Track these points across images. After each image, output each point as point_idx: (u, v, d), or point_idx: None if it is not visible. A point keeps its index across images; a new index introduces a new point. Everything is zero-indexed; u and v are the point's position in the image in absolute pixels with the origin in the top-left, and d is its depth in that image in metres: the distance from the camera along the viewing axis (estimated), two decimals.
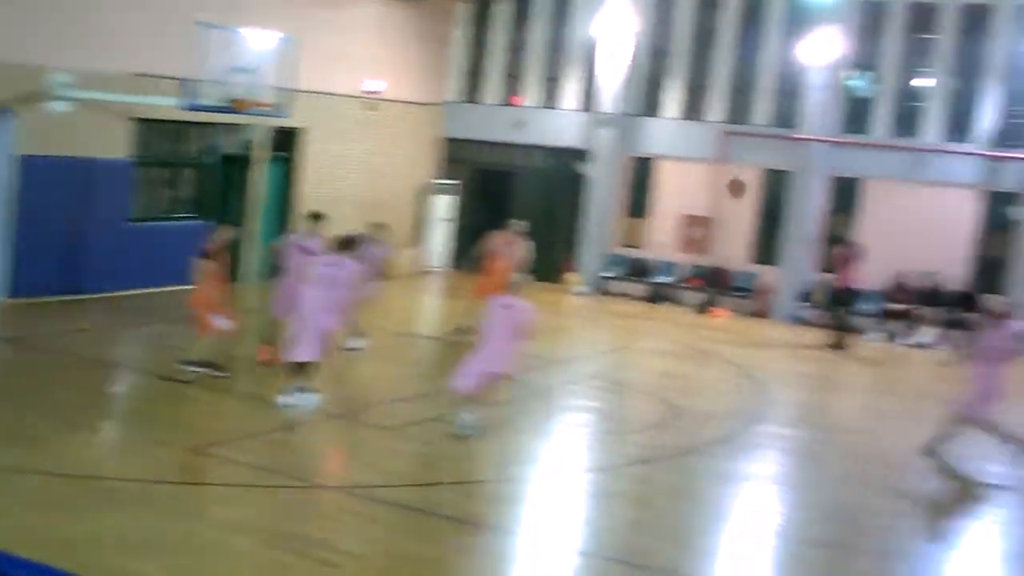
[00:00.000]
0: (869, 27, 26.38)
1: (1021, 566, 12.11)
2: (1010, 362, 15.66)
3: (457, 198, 29.47)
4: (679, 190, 28.86)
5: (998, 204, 25.77)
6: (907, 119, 26.20)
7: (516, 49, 29.85)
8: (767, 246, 27.53)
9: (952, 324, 23.17)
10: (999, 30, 25.21)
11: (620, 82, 28.16)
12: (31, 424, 12.94)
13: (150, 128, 21.74)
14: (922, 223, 26.11)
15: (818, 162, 26.37)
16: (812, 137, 26.33)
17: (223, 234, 16.42)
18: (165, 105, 19.62)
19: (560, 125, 29.01)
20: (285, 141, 24.57)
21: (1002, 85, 25.25)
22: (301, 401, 14.69)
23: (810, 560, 11.53)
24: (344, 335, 17.99)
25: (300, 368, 14.75)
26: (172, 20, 20.77)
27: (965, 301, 24.63)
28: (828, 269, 24.79)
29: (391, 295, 24.16)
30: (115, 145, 21.02)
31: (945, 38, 25.72)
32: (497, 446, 14.36)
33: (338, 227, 17.62)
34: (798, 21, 26.53)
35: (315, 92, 24.15)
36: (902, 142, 25.88)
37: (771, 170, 27.56)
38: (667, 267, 28.45)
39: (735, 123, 27.43)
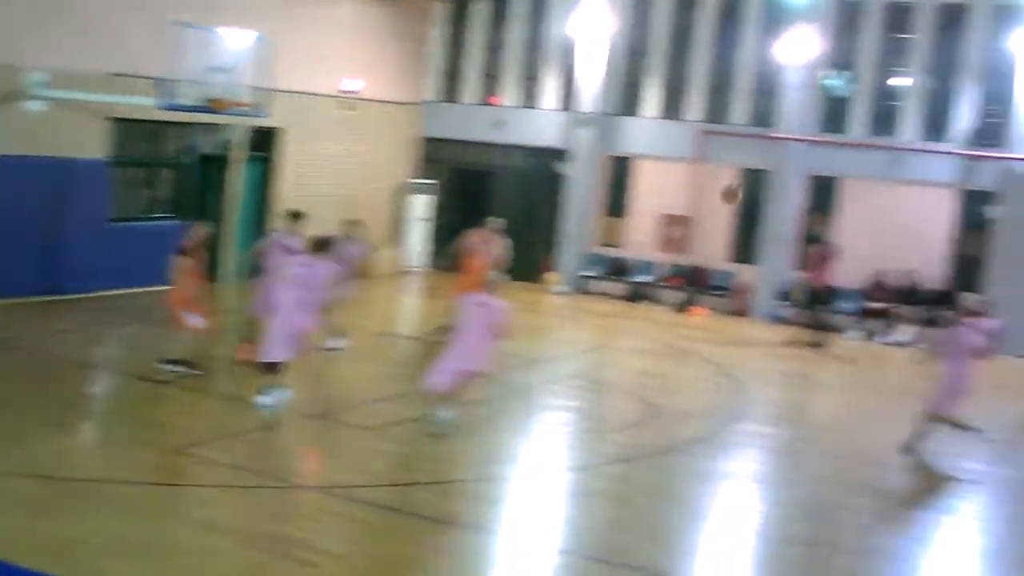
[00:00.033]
0: (846, 26, 26.46)
1: (999, 563, 12.16)
2: (979, 360, 15.71)
3: (435, 198, 29.43)
4: (658, 189, 28.89)
5: (974, 203, 25.88)
6: (884, 118, 26.28)
7: (494, 48, 29.85)
8: (745, 245, 27.59)
9: (930, 322, 23.25)
10: (975, 29, 25.31)
11: (598, 81, 28.18)
12: (10, 425, 12.88)
13: (127, 128, 21.65)
14: (900, 222, 26.20)
15: (796, 161, 26.44)
16: (790, 136, 26.40)
17: (199, 231, 16.39)
18: (142, 105, 19.55)
19: (539, 125, 29.01)
20: (263, 141, 24.51)
21: (978, 84, 25.36)
22: (276, 399, 14.65)
23: (789, 558, 11.56)
24: (323, 335, 17.98)
25: (273, 368, 14.73)
26: (149, 20, 20.68)
27: (943, 299, 24.74)
28: (803, 268, 24.83)
29: (371, 295, 24.16)
30: (92, 145, 20.93)
31: (922, 37, 25.83)
32: (477, 445, 14.37)
33: (317, 226, 17.61)
34: (775, 20, 26.59)
35: (293, 92, 24.10)
36: (879, 141, 25.97)
37: (749, 169, 27.61)
38: (646, 266, 28.49)
39: (713, 122, 27.48)
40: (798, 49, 25.94)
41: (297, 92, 24.46)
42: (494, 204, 26.70)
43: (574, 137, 28.39)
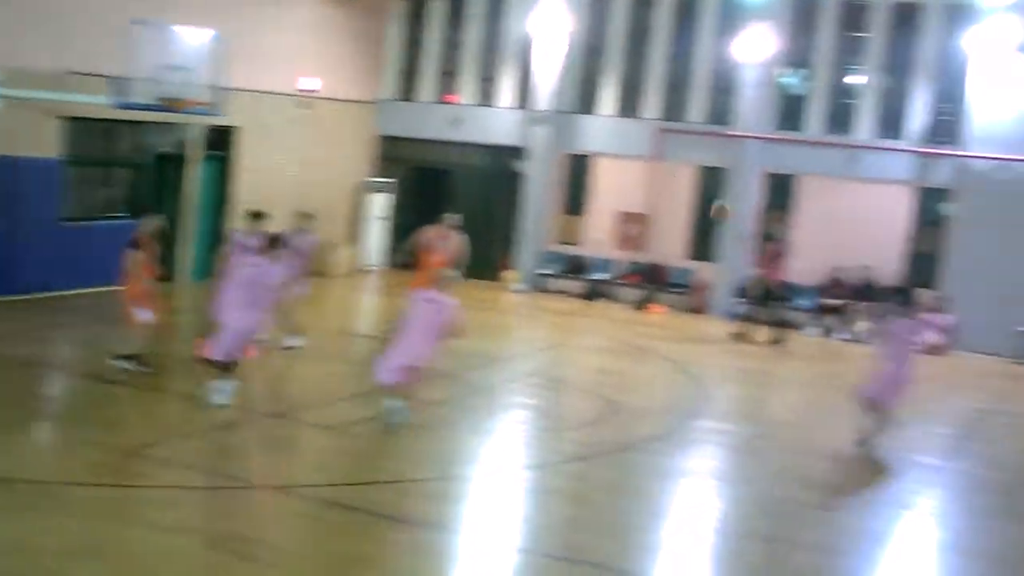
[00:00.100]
0: (801, 25, 26.59)
1: (956, 556, 12.25)
2: (920, 353, 16.08)
3: (393, 196, 29.36)
4: (615, 187, 28.95)
5: (930, 200, 26.09)
6: (840, 116, 26.44)
7: (451, 47, 29.80)
8: (703, 242, 27.68)
9: (882, 316, 23.42)
10: (928, 28, 25.50)
11: (556, 80, 28.19)
12: None
13: (82, 127, 21.47)
14: (856, 219, 26.36)
15: (753, 159, 26.55)
16: (746, 134, 26.50)
17: (151, 224, 16.30)
18: (97, 103, 19.40)
19: (496, 123, 28.98)
20: (220, 140, 24.38)
21: (932, 82, 25.56)
22: (228, 396, 14.58)
23: (748, 554, 11.60)
24: (281, 334, 17.93)
25: (225, 366, 14.67)
26: (104, 17, 20.51)
27: (900, 296, 24.86)
28: (757, 265, 24.94)
29: (329, 294, 24.15)
30: (45, 144, 20.75)
31: (876, 36, 26.00)
32: (436, 444, 14.36)
33: (276, 226, 17.55)
34: (731, 19, 26.68)
35: (250, 90, 23.99)
36: (835, 139, 26.12)
37: (706, 167, 27.71)
38: (604, 264, 28.53)
39: (670, 120, 27.54)
40: (754, 47, 26.05)
41: (254, 91, 24.36)
42: (452, 202, 26.64)
43: (531, 135, 28.39)
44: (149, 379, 15.48)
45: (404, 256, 20.82)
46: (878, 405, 15.40)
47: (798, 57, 26.82)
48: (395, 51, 30.05)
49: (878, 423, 15.40)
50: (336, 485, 12.25)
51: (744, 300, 24.88)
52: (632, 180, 28.87)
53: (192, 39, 19.71)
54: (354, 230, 28.72)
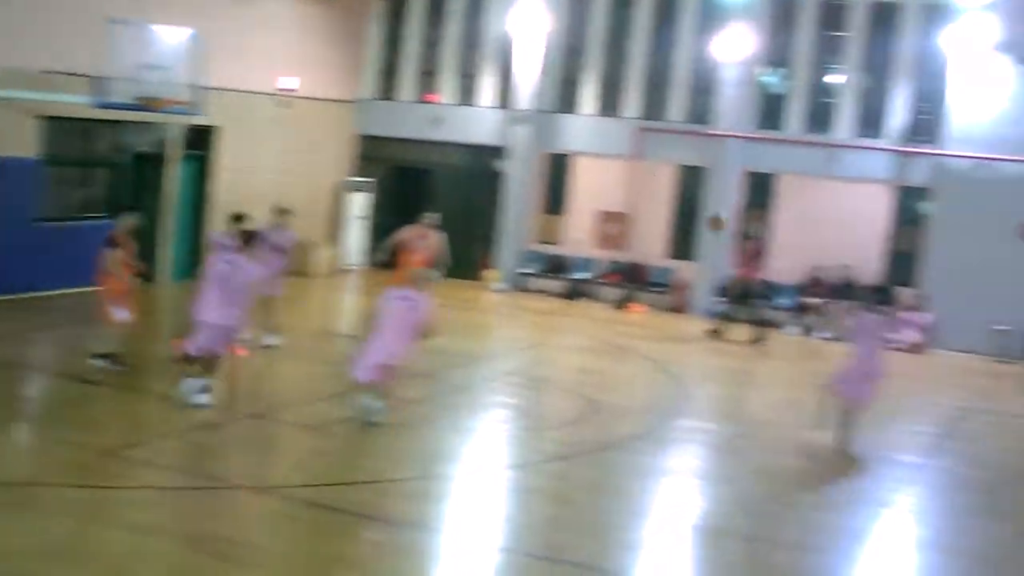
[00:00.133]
0: (781, 24, 26.65)
1: (935, 554, 12.27)
2: (888, 348, 16.35)
3: (373, 196, 29.31)
4: (595, 186, 28.96)
5: (909, 199, 26.17)
6: (820, 115, 26.50)
7: (431, 46, 29.75)
8: (684, 241, 27.71)
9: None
10: (907, 27, 25.58)
11: (536, 79, 28.17)
12: None
13: (60, 126, 21.36)
14: (836, 218, 26.43)
15: (732, 158, 26.59)
16: (726, 133, 26.54)
17: (128, 222, 16.24)
18: (75, 103, 19.31)
19: (476, 122, 28.95)
20: (199, 139, 24.27)
21: (911, 82, 25.64)
22: (199, 394, 14.53)
23: (729, 553, 11.60)
24: (260, 333, 17.88)
25: (205, 364, 14.62)
26: (82, 16, 20.40)
27: (879, 294, 24.95)
28: (736, 264, 24.96)
29: (309, 294, 24.07)
30: (23, 143, 20.64)
31: (855, 35, 26.06)
32: (416, 443, 14.34)
33: (256, 225, 17.47)
34: (711, 18, 26.72)
35: (229, 90, 23.93)
36: (815, 138, 26.17)
37: (686, 166, 27.73)
38: (584, 263, 28.53)
39: (650, 119, 27.56)
40: (734, 46, 26.09)
41: (233, 90, 24.29)
42: (432, 202, 26.62)
43: (511, 134, 28.37)
44: (127, 379, 15.43)
45: (384, 256, 20.78)
46: (850, 400, 15.48)
47: (778, 56, 26.88)
48: (375, 50, 29.99)
49: (850, 418, 15.47)
50: (316, 485, 12.21)
51: (724, 299, 24.90)
52: (612, 179, 28.88)
53: (170, 38, 19.67)
54: (334, 230, 28.67)
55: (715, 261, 26.48)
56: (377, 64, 30.08)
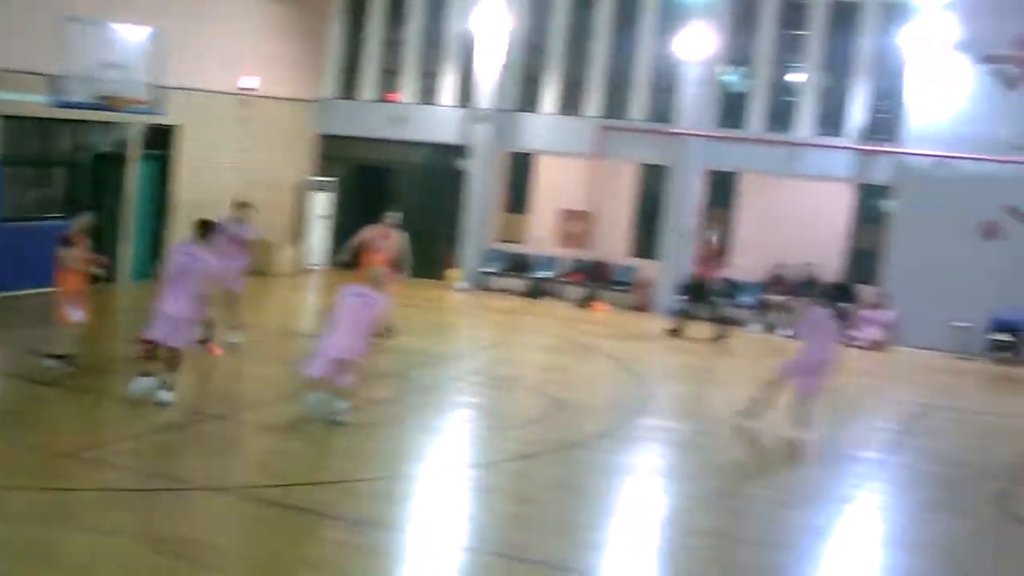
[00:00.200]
0: (742, 23, 26.72)
1: (899, 550, 12.33)
2: (839, 342, 16.59)
3: (335, 195, 29.21)
4: (558, 185, 28.95)
5: (870, 197, 26.30)
6: (781, 114, 26.60)
7: (392, 45, 29.68)
8: (646, 240, 27.75)
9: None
10: (866, 26, 25.71)
11: (497, 77, 28.15)
12: None
13: (18, 126, 21.15)
14: (798, 216, 26.53)
15: (694, 156, 26.64)
16: (688, 132, 26.59)
17: (83, 221, 16.12)
18: (33, 102, 19.14)
19: (438, 121, 28.88)
20: (159, 139, 24.12)
21: (871, 80, 25.77)
22: (156, 389, 14.45)
23: (693, 549, 11.63)
24: (223, 330, 17.80)
25: (159, 359, 14.54)
26: (40, 14, 20.19)
27: (840, 292, 25.11)
28: (695, 263, 25.00)
29: (271, 293, 23.97)
30: None
31: (815, 34, 26.17)
32: (381, 443, 14.32)
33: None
34: (672, 17, 26.76)
35: (189, 89, 23.78)
36: (776, 136, 26.26)
37: (648, 165, 27.78)
38: (547, 262, 28.51)
39: (612, 118, 27.58)
40: (695, 45, 26.14)
41: (194, 89, 24.14)
42: (395, 201, 26.56)
43: (473, 133, 28.33)
44: (84, 380, 15.32)
45: (347, 256, 20.72)
46: (800, 391, 15.67)
47: (739, 55, 26.96)
48: (336, 49, 29.88)
49: (803, 410, 15.63)
50: (281, 485, 12.15)
51: (684, 297, 24.94)
52: (575, 178, 28.89)
53: (130, 37, 19.54)
54: (297, 229, 28.56)
55: (678, 259, 26.51)
56: (338, 63, 29.97)
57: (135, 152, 23.44)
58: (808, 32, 26.25)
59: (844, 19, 26.02)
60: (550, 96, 28.29)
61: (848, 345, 23.31)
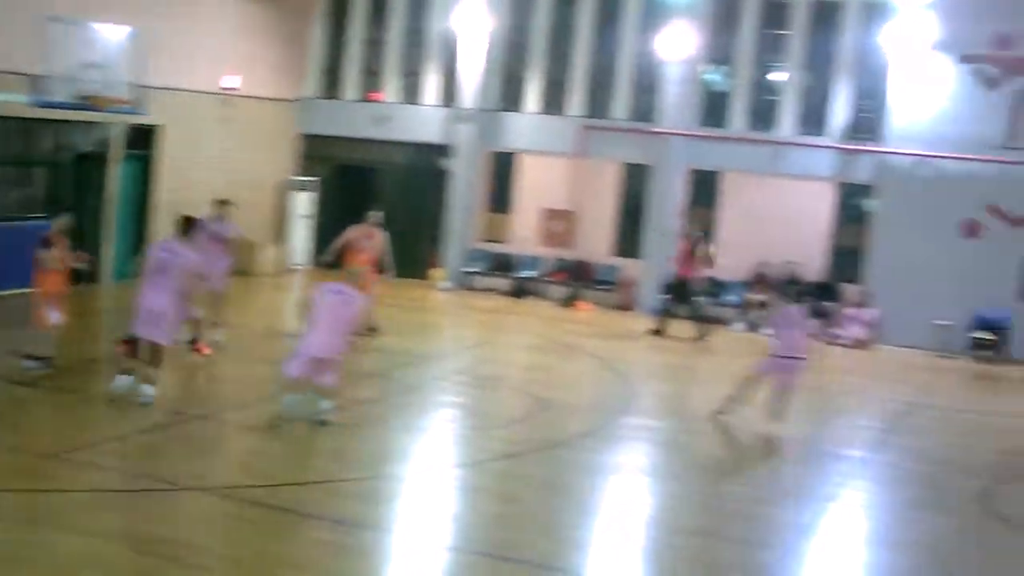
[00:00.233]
0: (724, 22, 26.77)
1: (883, 548, 12.35)
2: (810, 338, 16.97)
3: (318, 195, 29.16)
4: (541, 184, 28.95)
5: (852, 196, 26.38)
6: (763, 113, 26.65)
7: (375, 44, 29.64)
8: (629, 239, 27.76)
9: (814, 313, 23.66)
10: (848, 26, 25.78)
11: (480, 77, 28.13)
12: None
13: None
14: (781, 215, 26.57)
15: (677, 155, 26.67)
16: (670, 131, 26.62)
17: (62, 222, 16.06)
18: (14, 102, 19.05)
19: (420, 121, 28.85)
20: (141, 139, 24.03)
21: (852, 80, 25.84)
22: (139, 386, 14.41)
23: (678, 548, 11.63)
24: (206, 330, 17.75)
25: (141, 356, 14.50)
26: (21, 14, 20.06)
27: (823, 290, 25.21)
28: (675, 262, 24.99)
29: (254, 293, 23.92)
30: None
31: (797, 33, 26.23)
32: (365, 443, 14.29)
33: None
34: (654, 16, 26.78)
35: (171, 89, 23.70)
36: (758, 135, 26.31)
37: (631, 164, 27.80)
38: (530, 261, 28.51)
39: (594, 117, 27.60)
40: (677, 44, 26.16)
41: (176, 89, 24.05)
42: (377, 201, 26.52)
43: (456, 133, 28.32)
44: (64, 380, 15.25)
45: (330, 258, 20.67)
46: (775, 386, 15.80)
47: (720, 54, 27.02)
48: (318, 49, 29.83)
49: (779, 407, 15.74)
50: (265, 486, 12.12)
51: (665, 296, 24.95)
52: (557, 177, 28.91)
53: (112, 36, 19.46)
54: (279, 229, 28.51)
55: (661, 259, 26.51)
56: (320, 63, 29.93)
57: (117, 152, 23.36)
58: (790, 31, 26.31)
59: (826, 18, 26.09)
60: (533, 96, 28.29)
61: (831, 343, 23.48)
